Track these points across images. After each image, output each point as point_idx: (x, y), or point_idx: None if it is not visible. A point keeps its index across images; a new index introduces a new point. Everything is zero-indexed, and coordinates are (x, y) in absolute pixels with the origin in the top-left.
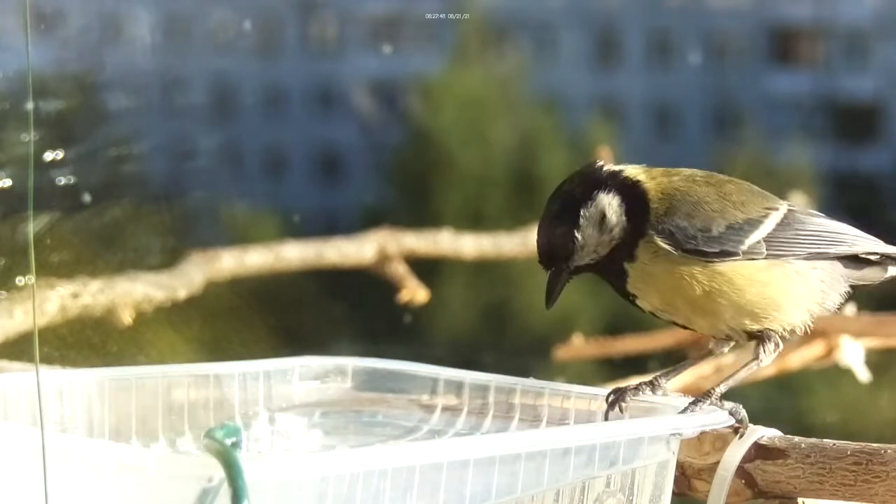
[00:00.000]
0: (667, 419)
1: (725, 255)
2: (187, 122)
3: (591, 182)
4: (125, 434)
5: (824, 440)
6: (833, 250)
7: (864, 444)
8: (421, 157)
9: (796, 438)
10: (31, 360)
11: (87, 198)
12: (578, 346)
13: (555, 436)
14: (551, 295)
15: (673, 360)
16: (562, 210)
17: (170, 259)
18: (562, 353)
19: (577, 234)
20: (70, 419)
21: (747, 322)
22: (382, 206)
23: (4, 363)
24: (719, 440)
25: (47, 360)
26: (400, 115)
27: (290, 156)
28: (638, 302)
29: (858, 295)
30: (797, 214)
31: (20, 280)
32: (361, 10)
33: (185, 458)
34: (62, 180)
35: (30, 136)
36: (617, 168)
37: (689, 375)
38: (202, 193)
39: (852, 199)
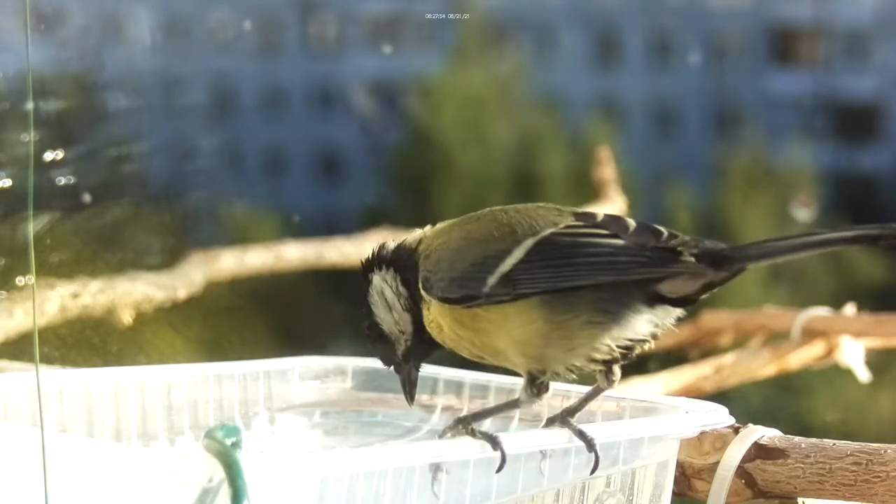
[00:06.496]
0: (667, 419)
1: (468, 299)
2: (187, 122)
3: (366, 268)
4: (125, 434)
5: (824, 440)
6: (591, 281)
7: (864, 444)
8: (421, 157)
9: (796, 438)
10: (31, 360)
11: (87, 198)
12: None
13: (555, 436)
14: (407, 392)
15: (673, 360)
16: (364, 312)
17: (170, 259)
18: None
19: (379, 324)
20: (70, 419)
21: (523, 362)
22: (382, 206)
23: (4, 363)
24: (719, 440)
25: (47, 360)
26: (400, 115)
27: (290, 156)
28: (459, 352)
29: (858, 295)
30: (559, 238)
31: (20, 280)
32: (361, 10)
33: (185, 458)
34: (62, 180)
35: (30, 136)
36: (397, 242)
37: (690, 375)
38: (202, 193)
39: (852, 199)
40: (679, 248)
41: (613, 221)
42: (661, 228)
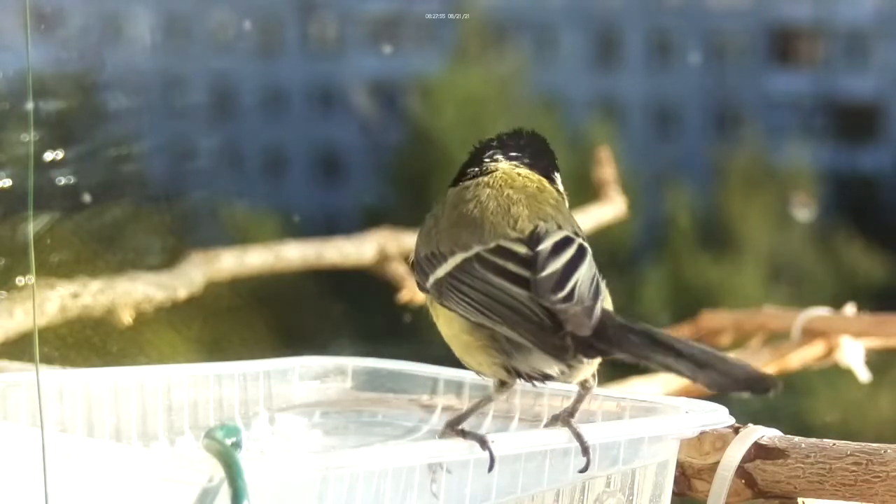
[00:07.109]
0: (667, 419)
1: (420, 286)
2: (187, 122)
3: None
4: (125, 434)
5: (824, 440)
6: (487, 322)
7: (864, 444)
8: (421, 157)
9: (796, 438)
10: (31, 360)
11: (87, 198)
12: None
13: (555, 436)
14: None
15: None
16: None
17: (170, 259)
18: None
19: None
20: (70, 419)
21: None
22: (382, 206)
23: (4, 363)
24: (719, 440)
25: (47, 360)
26: (400, 115)
27: (290, 156)
28: None
29: (858, 295)
30: (474, 267)
31: (20, 280)
32: (361, 10)
33: (185, 458)
34: (62, 180)
35: (30, 136)
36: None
37: None
38: (202, 193)
39: (852, 199)
40: (562, 319)
41: (547, 259)
42: (570, 287)
